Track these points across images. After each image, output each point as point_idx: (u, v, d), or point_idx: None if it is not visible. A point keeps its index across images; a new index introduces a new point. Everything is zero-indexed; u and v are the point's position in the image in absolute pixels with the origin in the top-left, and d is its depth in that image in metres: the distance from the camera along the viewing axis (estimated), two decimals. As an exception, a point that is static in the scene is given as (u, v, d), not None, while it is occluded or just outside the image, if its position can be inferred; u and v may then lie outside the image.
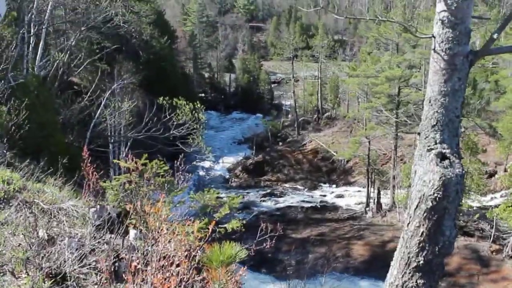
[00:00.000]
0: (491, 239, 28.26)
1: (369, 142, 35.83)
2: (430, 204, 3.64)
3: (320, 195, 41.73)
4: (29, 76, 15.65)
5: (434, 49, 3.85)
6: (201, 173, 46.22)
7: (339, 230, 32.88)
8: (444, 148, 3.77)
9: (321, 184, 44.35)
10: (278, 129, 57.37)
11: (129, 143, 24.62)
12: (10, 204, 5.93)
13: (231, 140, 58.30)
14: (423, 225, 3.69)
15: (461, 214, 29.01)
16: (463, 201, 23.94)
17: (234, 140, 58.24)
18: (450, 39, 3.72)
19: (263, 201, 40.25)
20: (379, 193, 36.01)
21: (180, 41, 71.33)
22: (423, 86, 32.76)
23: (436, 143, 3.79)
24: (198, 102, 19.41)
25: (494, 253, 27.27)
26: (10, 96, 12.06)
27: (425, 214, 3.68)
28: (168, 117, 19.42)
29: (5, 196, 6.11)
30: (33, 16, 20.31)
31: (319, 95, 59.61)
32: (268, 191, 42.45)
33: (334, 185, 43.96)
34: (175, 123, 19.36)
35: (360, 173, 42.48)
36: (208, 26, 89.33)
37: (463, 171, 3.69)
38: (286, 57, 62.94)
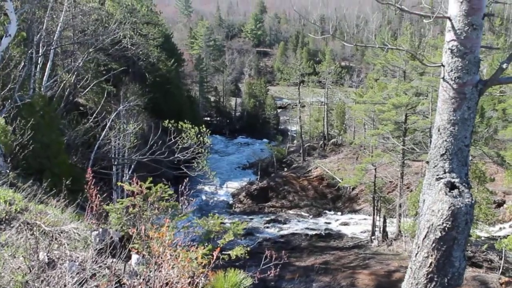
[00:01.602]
0: (500, 270, 27.82)
1: (375, 169, 35.69)
2: (439, 234, 3.60)
3: (325, 223, 41.42)
4: (36, 96, 15.81)
5: (443, 78, 3.87)
6: (205, 197, 46.08)
7: (344, 259, 32.45)
8: (453, 178, 3.75)
9: (326, 211, 44.09)
10: (283, 155, 57.38)
11: (133, 166, 24.67)
12: (11, 225, 5.92)
13: (235, 165, 58.31)
14: (431, 255, 3.65)
15: (469, 244, 28.64)
16: (471, 231, 23.67)
17: (239, 165, 58.25)
18: (459, 68, 3.75)
19: (267, 227, 39.96)
20: (385, 222, 35.68)
21: (187, 64, 72.22)
22: (430, 114, 32.80)
23: (445, 172, 3.78)
24: (203, 125, 19.43)
25: (503, 286, 26.77)
26: (16, 116, 12.15)
27: (433, 245, 3.64)
28: (173, 140, 19.46)
29: (7, 217, 6.11)
30: (42, 37, 20.65)
31: (325, 121, 59.79)
32: (272, 217, 42.19)
33: (339, 213, 43.68)
34: (180, 146, 19.39)
35: (366, 200, 42.21)
36: (215, 50, 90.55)
37: (473, 201, 3.67)
38: (293, 82, 63.39)
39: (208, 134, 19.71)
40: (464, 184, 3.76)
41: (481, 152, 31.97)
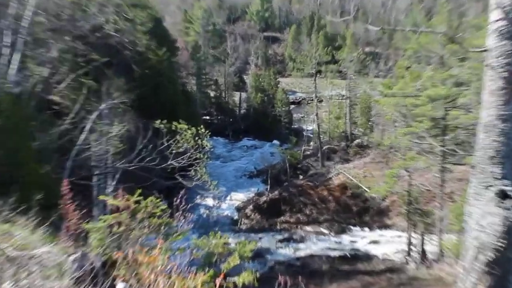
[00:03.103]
0: None
1: (409, 175, 35.56)
2: (491, 255, 3.54)
3: (350, 241, 41.31)
4: (1, 93, 15.91)
5: (489, 65, 3.81)
6: (205, 212, 46.12)
7: (374, 286, 32.38)
8: (505, 185, 3.69)
9: (351, 227, 43.95)
10: (298, 160, 57.34)
11: (117, 176, 24.71)
12: (-28, 249, 5.92)
13: (241, 172, 58.36)
14: (482, 281, 3.59)
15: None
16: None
17: (245, 173, 58.30)
18: (509, 52, 3.69)
19: (280, 248, 39.95)
20: (423, 239, 35.52)
21: (182, 53, 72.43)
22: (474, 108, 32.64)
23: (495, 179, 3.71)
24: (202, 126, 19.53)
25: None
26: (-22, 118, 12.23)
27: (484, 268, 3.57)
28: (165, 144, 19.52)
29: (-34, 239, 6.11)
30: (8, 24, 20.77)
31: (347, 118, 59.77)
32: (286, 235, 42.16)
33: (366, 229, 43.52)
34: (174, 151, 19.44)
35: (399, 214, 42.03)
36: (215, 36, 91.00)
37: (531, 214, 3.60)
38: (308, 73, 63.36)
39: (208, 136, 19.79)
40: (519, 193, 3.70)
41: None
